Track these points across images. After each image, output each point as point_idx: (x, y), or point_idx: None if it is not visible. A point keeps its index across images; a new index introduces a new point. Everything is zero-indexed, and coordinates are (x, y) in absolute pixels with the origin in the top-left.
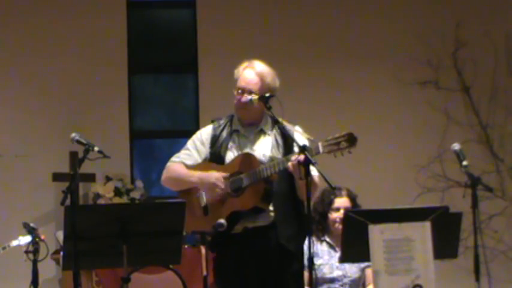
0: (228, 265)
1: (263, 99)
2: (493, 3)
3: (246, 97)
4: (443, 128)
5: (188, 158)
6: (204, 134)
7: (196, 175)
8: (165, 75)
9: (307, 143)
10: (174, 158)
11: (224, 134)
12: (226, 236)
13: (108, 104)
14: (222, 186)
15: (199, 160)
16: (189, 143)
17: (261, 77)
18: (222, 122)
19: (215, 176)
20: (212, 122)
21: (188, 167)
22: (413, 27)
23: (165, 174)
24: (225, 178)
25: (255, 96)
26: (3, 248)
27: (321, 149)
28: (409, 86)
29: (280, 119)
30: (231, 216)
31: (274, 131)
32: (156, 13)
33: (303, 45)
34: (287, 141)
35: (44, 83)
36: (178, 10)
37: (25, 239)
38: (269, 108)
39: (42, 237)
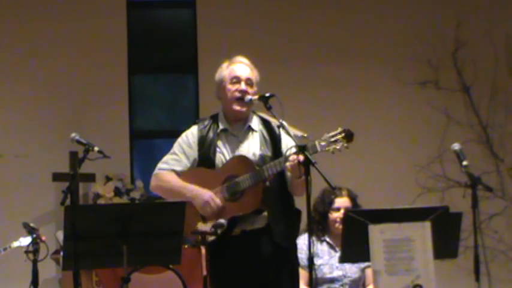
0: (226, 267)
1: (263, 99)
2: (493, 3)
3: (248, 96)
4: (443, 128)
5: (177, 164)
6: (191, 136)
7: (190, 190)
8: (165, 75)
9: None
10: (162, 165)
11: (211, 134)
12: (224, 239)
13: (108, 104)
14: (215, 206)
15: (188, 165)
16: (176, 148)
17: (251, 69)
18: (206, 122)
19: (209, 195)
20: (195, 123)
21: (179, 174)
22: (413, 27)
23: (155, 182)
24: (218, 199)
25: (255, 96)
26: (4, 249)
27: (318, 148)
28: (409, 86)
29: (264, 115)
30: (230, 220)
31: (261, 127)
32: (156, 13)
33: (302, 45)
34: (274, 137)
35: (44, 83)
36: (178, 10)
37: (26, 240)
38: (269, 109)
39: (43, 238)
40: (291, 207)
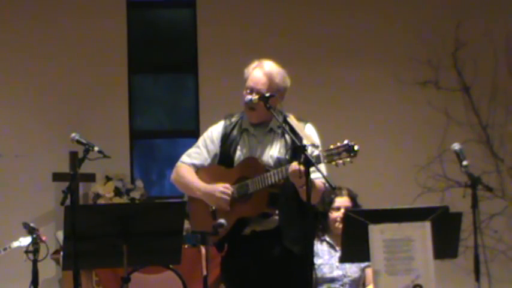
0: (237, 265)
1: (263, 99)
2: (493, 3)
3: (248, 97)
4: (443, 128)
5: (198, 158)
6: (215, 132)
7: (201, 189)
8: (165, 75)
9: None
10: (185, 158)
11: (234, 132)
12: (234, 238)
13: (108, 104)
14: (227, 198)
15: (209, 159)
16: (200, 141)
17: (269, 77)
18: (233, 119)
19: (220, 190)
20: (225, 117)
21: (198, 170)
22: (413, 27)
23: (173, 175)
24: (230, 189)
25: (254, 96)
26: (4, 249)
27: (322, 160)
28: (409, 86)
29: (291, 117)
30: (239, 220)
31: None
32: (156, 13)
33: (303, 45)
34: (295, 141)
35: (44, 83)
36: (178, 10)
37: (26, 240)
38: (269, 109)
39: (43, 238)
40: (305, 214)
